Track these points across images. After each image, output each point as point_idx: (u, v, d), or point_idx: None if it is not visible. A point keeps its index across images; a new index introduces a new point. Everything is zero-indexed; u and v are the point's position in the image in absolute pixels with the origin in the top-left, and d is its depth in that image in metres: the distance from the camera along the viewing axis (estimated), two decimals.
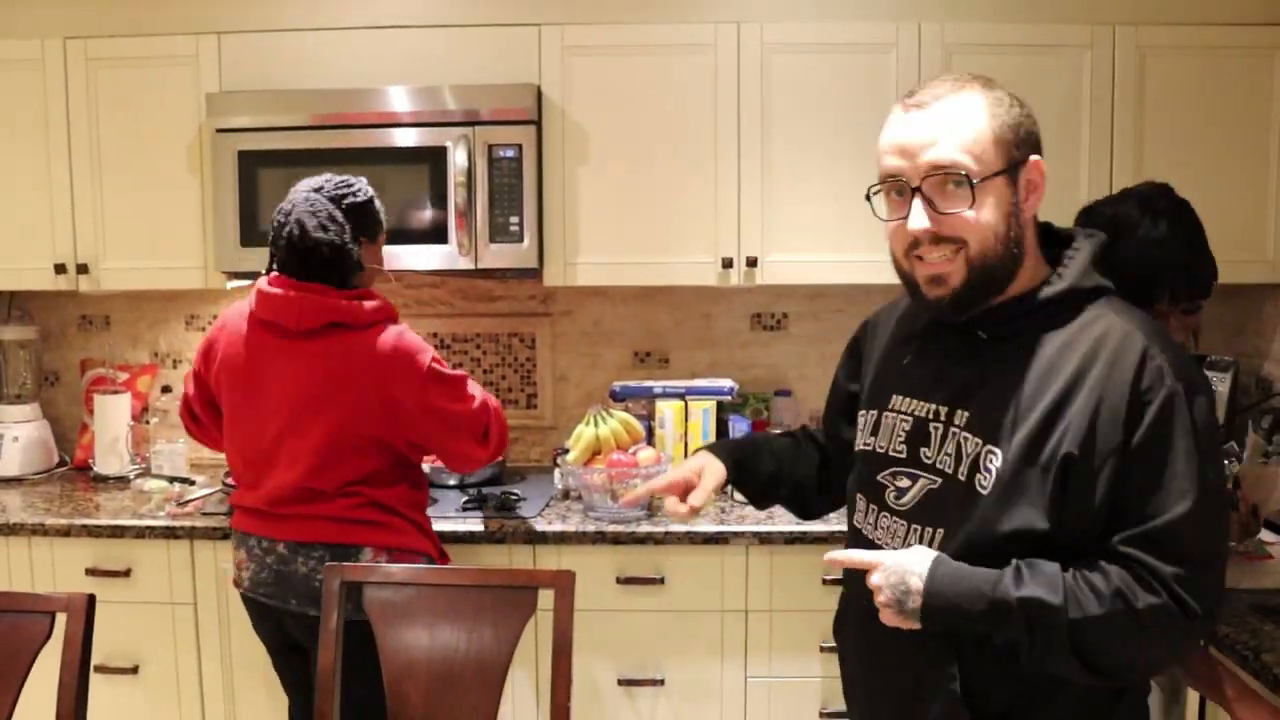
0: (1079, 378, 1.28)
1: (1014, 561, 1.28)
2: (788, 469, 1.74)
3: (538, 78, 2.78)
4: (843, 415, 1.68)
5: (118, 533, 2.58)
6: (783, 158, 2.78)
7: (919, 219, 1.32)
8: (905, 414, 1.44)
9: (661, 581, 2.54)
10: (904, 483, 1.43)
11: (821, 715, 2.56)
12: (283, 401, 2.12)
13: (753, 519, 2.59)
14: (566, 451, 2.68)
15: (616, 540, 2.52)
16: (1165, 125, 2.74)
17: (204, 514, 2.64)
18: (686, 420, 2.83)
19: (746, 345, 3.24)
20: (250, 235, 2.75)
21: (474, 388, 2.23)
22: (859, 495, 1.52)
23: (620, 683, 2.57)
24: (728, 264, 2.80)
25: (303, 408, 2.11)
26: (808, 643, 2.55)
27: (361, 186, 2.18)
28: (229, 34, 2.82)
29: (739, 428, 2.87)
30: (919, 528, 1.38)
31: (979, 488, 1.32)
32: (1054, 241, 1.42)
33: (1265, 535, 2.25)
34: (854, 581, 1.49)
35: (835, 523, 2.53)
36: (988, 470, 1.31)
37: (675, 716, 2.59)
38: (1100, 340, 1.30)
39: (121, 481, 3.03)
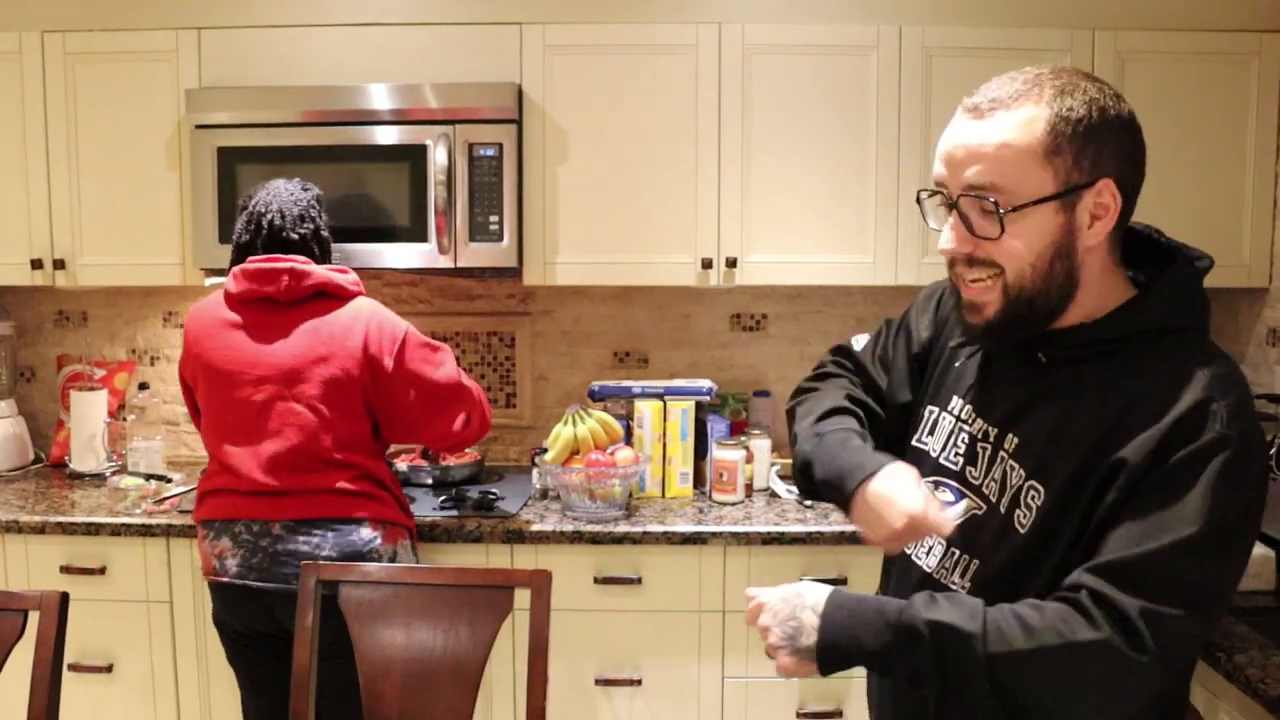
0: (1128, 421, 1.16)
1: (926, 591, 1.21)
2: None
3: (519, 77, 2.78)
4: (905, 383, 1.50)
5: (93, 530, 2.57)
6: (763, 158, 2.79)
7: (947, 238, 1.24)
8: (965, 422, 1.35)
9: (639, 581, 2.55)
10: (946, 496, 1.34)
11: (798, 716, 2.57)
12: (272, 369, 2.17)
13: (730, 519, 2.59)
14: (545, 451, 2.68)
15: (594, 540, 2.52)
16: (1143, 129, 2.75)
17: (180, 511, 2.62)
18: (665, 420, 2.83)
19: (726, 346, 3.25)
20: (229, 232, 2.71)
21: (454, 363, 2.30)
22: None
23: (597, 682, 2.57)
24: (707, 264, 2.80)
25: (294, 370, 2.17)
26: None
27: (313, 185, 2.35)
28: (209, 29, 2.81)
29: (718, 428, 2.87)
30: (956, 553, 1.31)
31: (1018, 525, 1.24)
32: (1158, 253, 1.28)
33: None
34: (888, 590, 1.45)
35: (812, 523, 2.56)
36: (1028, 508, 1.22)
37: (652, 716, 2.59)
38: (1160, 385, 1.17)
39: (97, 479, 3.01)
